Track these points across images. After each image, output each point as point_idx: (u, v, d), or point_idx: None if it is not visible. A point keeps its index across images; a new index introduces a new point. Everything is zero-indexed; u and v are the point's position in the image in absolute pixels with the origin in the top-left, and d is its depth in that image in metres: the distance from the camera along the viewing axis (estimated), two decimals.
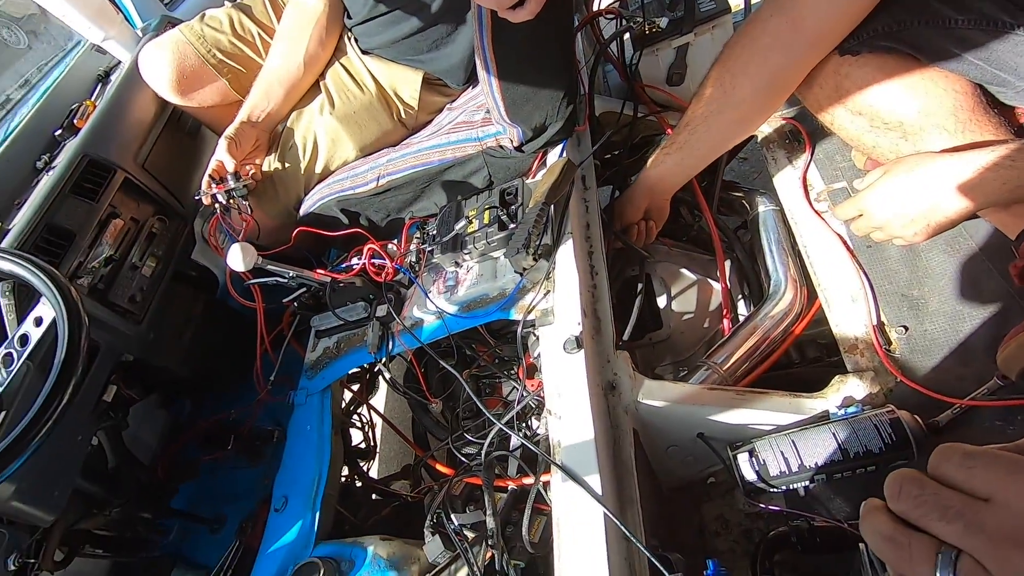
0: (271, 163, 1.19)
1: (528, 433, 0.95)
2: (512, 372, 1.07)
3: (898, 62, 0.82)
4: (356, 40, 1.19)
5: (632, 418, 0.80)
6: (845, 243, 0.98)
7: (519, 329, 0.91)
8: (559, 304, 0.86)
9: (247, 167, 1.14)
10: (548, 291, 0.90)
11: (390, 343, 1.03)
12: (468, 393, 0.90)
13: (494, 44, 0.86)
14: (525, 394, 0.93)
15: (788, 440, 0.78)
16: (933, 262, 0.90)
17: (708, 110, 0.90)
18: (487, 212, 0.98)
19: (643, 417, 0.81)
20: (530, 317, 0.90)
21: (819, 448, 0.75)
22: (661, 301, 1.14)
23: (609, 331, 0.87)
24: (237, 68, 1.24)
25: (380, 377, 1.29)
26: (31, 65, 1.40)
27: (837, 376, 0.85)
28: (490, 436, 0.87)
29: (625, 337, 1.04)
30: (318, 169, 1.19)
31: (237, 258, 0.94)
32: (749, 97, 0.87)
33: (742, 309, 1.13)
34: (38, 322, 0.73)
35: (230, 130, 1.14)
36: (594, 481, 0.68)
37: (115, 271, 1.08)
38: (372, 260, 1.08)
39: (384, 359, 1.01)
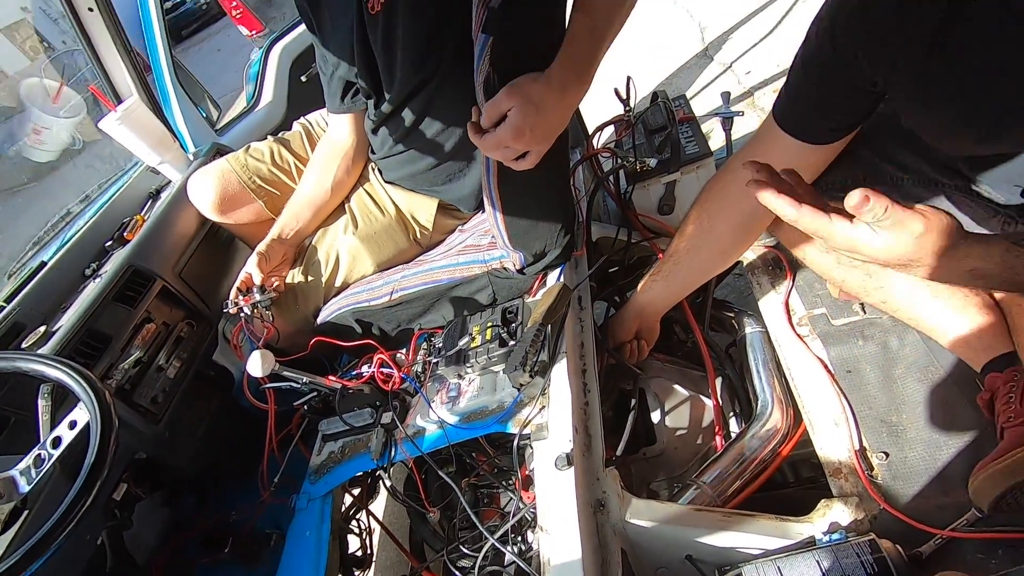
0: (295, 276, 1.30)
1: (523, 547, 0.96)
2: (510, 483, 1.10)
3: None
4: (380, 171, 1.34)
5: (620, 537, 0.82)
6: (826, 367, 1.03)
7: (515, 442, 0.96)
8: (553, 420, 0.92)
9: (273, 280, 1.25)
10: (543, 406, 0.96)
11: (392, 450, 1.07)
12: (464, 505, 0.93)
13: (499, 186, 0.98)
14: (521, 506, 0.95)
15: (774, 566, 0.79)
16: (909, 389, 0.95)
17: (689, 245, 1.00)
18: (489, 329, 1.07)
19: (631, 537, 0.84)
20: (526, 431, 0.95)
21: (803, 571, 0.77)
22: (655, 416, 1.18)
23: (599, 448, 0.92)
24: (272, 192, 1.40)
25: (381, 483, 1.31)
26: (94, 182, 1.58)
27: (823, 500, 0.87)
28: (484, 550, 0.89)
29: (619, 452, 1.08)
30: (338, 282, 1.30)
31: (256, 364, 1.02)
32: (724, 236, 0.97)
33: (734, 426, 1.16)
34: (72, 425, 0.80)
35: (261, 246, 1.27)
36: None
37: (142, 372, 1.16)
38: (381, 369, 1.16)
39: (386, 465, 1.05)
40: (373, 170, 1.35)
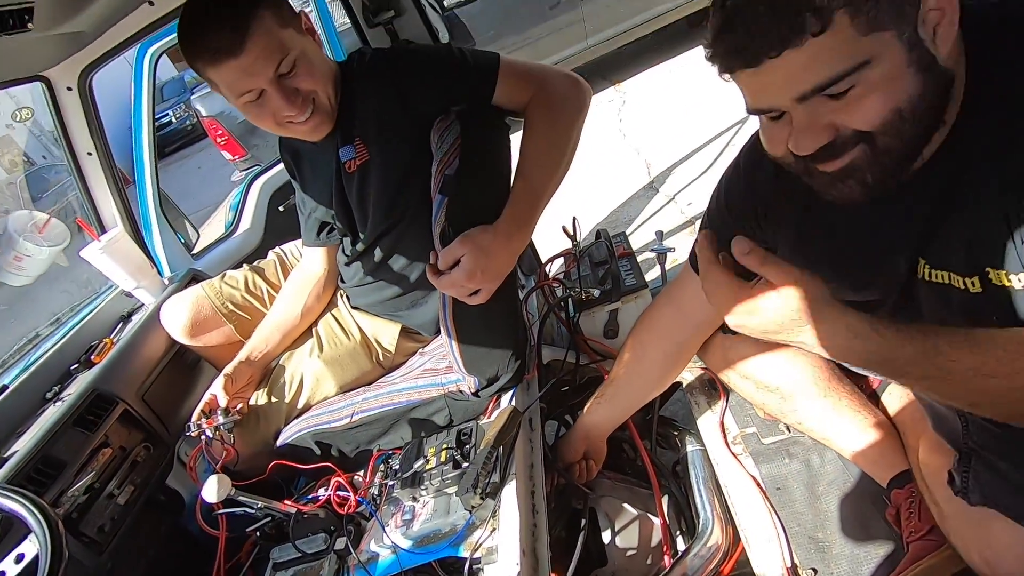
0: (259, 397, 1.35)
1: None
2: None
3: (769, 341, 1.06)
4: (348, 297, 1.45)
5: None
6: (758, 484, 1.11)
7: (466, 567, 0.98)
8: (502, 543, 0.95)
9: (237, 402, 1.30)
10: (494, 529, 0.99)
11: None
12: None
13: (454, 319, 1.10)
14: None
15: None
16: (831, 505, 1.03)
17: (627, 371, 1.11)
18: (444, 451, 1.12)
19: None
20: (476, 555, 0.97)
21: None
22: (605, 536, 1.21)
23: (546, 571, 0.95)
24: (244, 316, 1.48)
25: None
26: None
27: None
28: None
29: (570, 574, 1.09)
30: (300, 404, 1.35)
31: (212, 489, 1.03)
32: (656, 363, 1.09)
33: (681, 544, 1.20)
34: (19, 559, 0.80)
35: (229, 368, 1.32)
36: None
37: (92, 499, 1.15)
38: (337, 492, 1.18)
39: None
40: (341, 297, 1.46)
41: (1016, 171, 0.57)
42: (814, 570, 0.96)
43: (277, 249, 1.64)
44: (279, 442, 1.31)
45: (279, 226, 2.06)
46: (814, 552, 0.98)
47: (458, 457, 1.09)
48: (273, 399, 1.35)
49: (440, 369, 1.28)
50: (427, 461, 1.12)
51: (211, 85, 1.07)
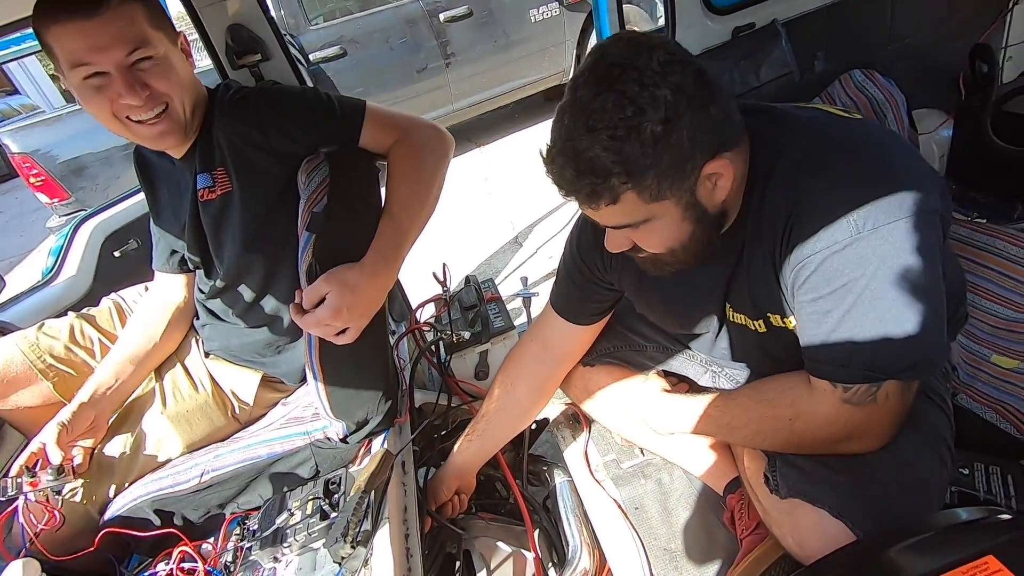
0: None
1: None
2: None
3: (620, 370, 1.18)
4: (201, 342, 1.33)
5: None
6: (619, 506, 1.19)
7: None
8: None
9: (74, 456, 1.10)
10: None
11: None
12: None
13: (321, 360, 1.06)
14: None
15: None
16: (680, 517, 1.14)
17: (497, 406, 1.16)
18: (310, 503, 1.05)
19: None
20: None
21: None
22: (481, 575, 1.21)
23: None
24: (66, 372, 1.28)
25: None
26: None
27: None
28: None
29: None
30: (135, 470, 1.19)
31: None
32: (524, 396, 1.15)
33: (553, 575, 1.23)
34: None
35: (65, 413, 1.12)
36: None
37: None
38: (182, 565, 1.04)
39: None
40: (197, 341, 1.34)
41: (770, 248, 0.81)
42: None
43: (114, 296, 1.46)
44: (108, 515, 1.13)
45: (113, 273, 1.84)
46: (668, 562, 1.07)
47: (326, 507, 1.04)
48: (101, 464, 1.17)
49: (305, 417, 1.22)
50: (291, 515, 1.04)
51: (47, 52, 0.96)
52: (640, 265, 0.91)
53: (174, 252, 1.29)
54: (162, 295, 1.33)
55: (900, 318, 0.73)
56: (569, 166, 0.72)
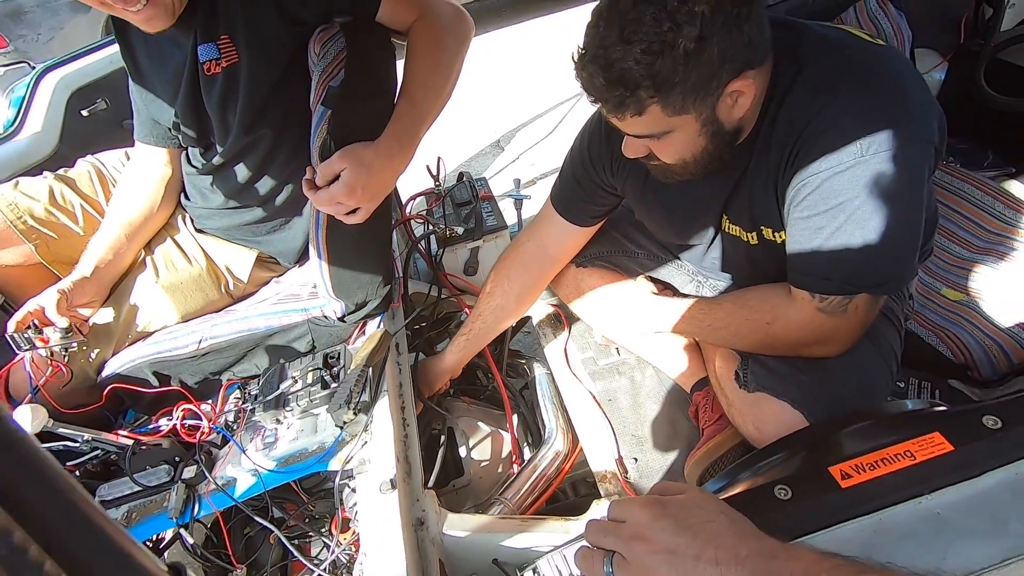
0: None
1: None
2: (324, 530, 1.12)
3: (611, 273, 1.25)
4: (191, 220, 1.31)
5: (438, 549, 0.92)
6: (594, 398, 1.31)
7: (336, 480, 1.00)
8: (375, 452, 1.00)
9: (76, 321, 1.11)
10: (365, 442, 1.03)
11: (196, 506, 1.02)
12: (288, 547, 0.94)
13: (328, 238, 1.08)
14: (336, 548, 0.99)
15: (560, 555, 0.97)
16: (649, 410, 1.26)
17: (492, 302, 1.22)
18: (311, 373, 1.11)
19: (447, 548, 0.94)
20: (348, 467, 1.01)
21: None
22: (462, 451, 1.32)
23: (419, 475, 1.02)
24: (48, 235, 1.24)
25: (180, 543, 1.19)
26: None
27: (594, 500, 1.10)
28: None
29: (430, 484, 1.18)
30: (132, 333, 1.20)
31: (26, 421, 0.90)
32: (518, 293, 1.21)
33: (528, 454, 1.36)
34: None
35: (65, 283, 1.11)
36: None
37: None
38: (185, 421, 1.10)
39: (187, 523, 0.99)
40: (184, 218, 1.31)
41: (775, 164, 0.84)
42: (635, 459, 1.17)
43: (91, 159, 1.39)
44: (106, 372, 1.16)
45: (82, 132, 1.73)
46: (635, 446, 1.20)
47: (327, 378, 1.10)
48: (98, 328, 1.18)
49: (302, 295, 1.25)
50: (293, 383, 1.10)
51: None
52: (650, 171, 0.94)
53: (158, 123, 1.23)
54: (148, 167, 1.28)
55: (882, 240, 0.80)
56: (600, 74, 0.73)
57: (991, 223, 1.41)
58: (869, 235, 0.80)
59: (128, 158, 1.38)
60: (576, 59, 0.77)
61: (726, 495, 0.60)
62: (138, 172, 1.28)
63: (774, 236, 0.93)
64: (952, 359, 1.17)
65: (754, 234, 0.95)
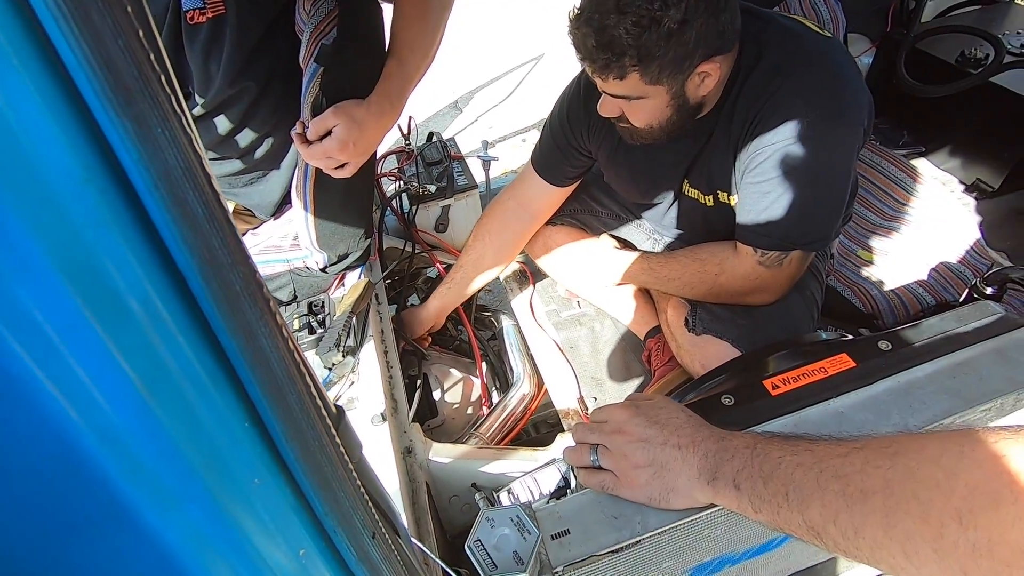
0: None
1: None
2: None
3: (577, 231, 1.36)
4: None
5: (425, 473, 1.03)
6: (558, 346, 1.44)
7: None
8: (363, 391, 1.08)
9: None
10: (352, 382, 1.12)
11: None
12: None
13: (315, 191, 1.13)
14: None
15: (532, 478, 1.10)
16: (607, 356, 1.40)
17: (474, 256, 1.31)
18: (297, 319, 1.18)
19: (433, 472, 1.06)
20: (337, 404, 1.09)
21: (550, 479, 1.10)
22: (436, 395, 1.43)
23: (405, 408, 1.12)
24: None
25: None
26: None
27: (559, 433, 1.23)
28: None
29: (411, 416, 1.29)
30: None
31: None
32: (499, 248, 1.31)
33: (496, 397, 1.48)
34: None
35: None
36: (401, 520, 0.88)
37: None
38: None
39: None
40: None
41: (736, 134, 0.96)
42: (595, 397, 1.32)
43: None
44: None
45: None
46: (595, 387, 1.34)
47: (314, 324, 1.16)
48: None
49: (283, 247, 1.29)
50: None
51: None
52: (619, 132, 1.05)
53: None
54: None
55: (816, 205, 0.95)
56: (591, 37, 0.82)
57: (901, 195, 1.62)
58: (806, 201, 0.94)
59: None
60: (571, 18, 0.86)
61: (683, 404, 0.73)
62: None
63: (728, 199, 1.06)
64: (862, 309, 1.37)
65: (711, 197, 1.08)
